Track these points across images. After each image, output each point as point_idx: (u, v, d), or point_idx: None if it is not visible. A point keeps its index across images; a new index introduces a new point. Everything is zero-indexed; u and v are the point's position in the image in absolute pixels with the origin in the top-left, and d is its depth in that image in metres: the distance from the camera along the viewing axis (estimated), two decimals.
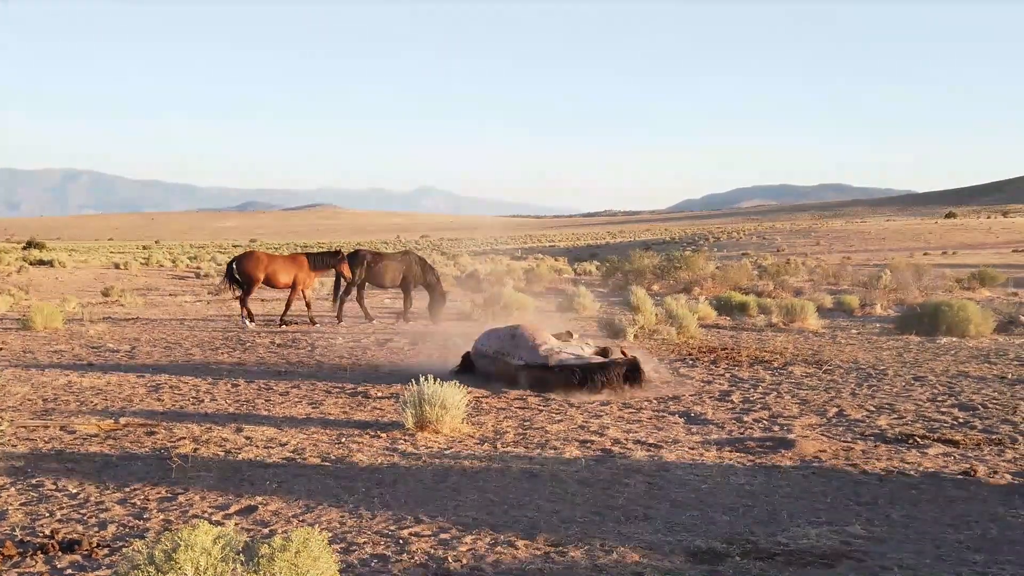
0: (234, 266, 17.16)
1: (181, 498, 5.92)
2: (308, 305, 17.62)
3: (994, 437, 7.62)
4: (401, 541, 5.07)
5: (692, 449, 7.28)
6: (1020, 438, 7.58)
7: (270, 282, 17.25)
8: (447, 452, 7.16)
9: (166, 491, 6.07)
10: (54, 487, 6.15)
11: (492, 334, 10.82)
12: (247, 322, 16.74)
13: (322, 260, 17.69)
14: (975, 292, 24.90)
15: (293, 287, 17.40)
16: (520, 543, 5.05)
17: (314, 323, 17.03)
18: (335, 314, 17.65)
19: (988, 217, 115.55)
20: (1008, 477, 6.42)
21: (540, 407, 9.04)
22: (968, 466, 6.65)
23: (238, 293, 17.18)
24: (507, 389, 9.91)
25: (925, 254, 54.22)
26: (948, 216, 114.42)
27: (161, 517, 5.48)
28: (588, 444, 7.44)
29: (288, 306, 17.50)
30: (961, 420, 8.37)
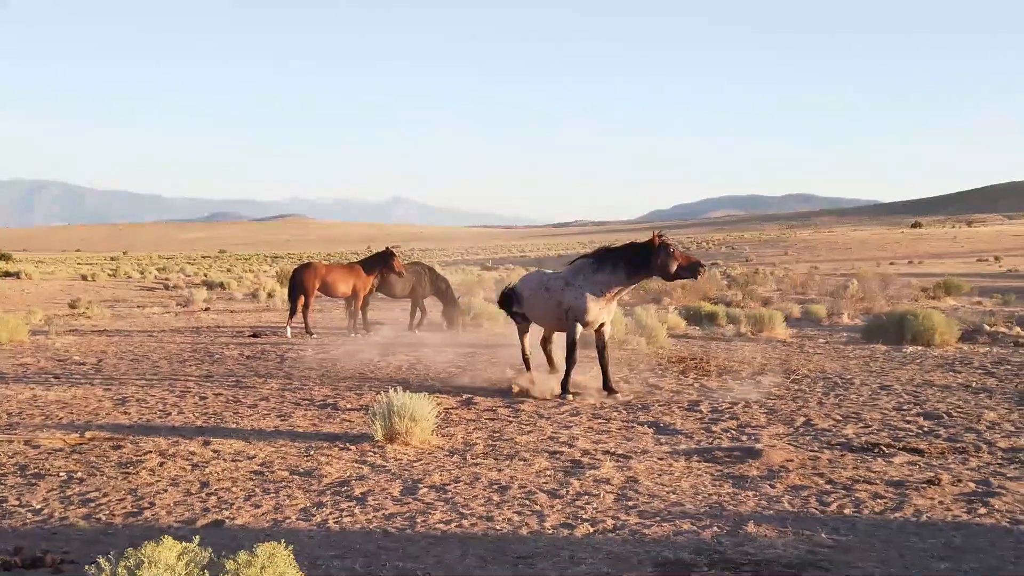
0: (293, 278, 17.47)
1: (147, 513, 5.86)
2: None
3: (958, 445, 7.72)
4: (369, 554, 5.05)
5: (661, 459, 7.31)
6: (984, 446, 7.69)
7: (329, 292, 17.54)
8: (416, 464, 7.14)
9: (131, 506, 6.01)
10: (17, 503, 6.07)
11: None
12: (310, 336, 16.82)
13: (374, 263, 17.94)
14: (940, 301, 25.22)
15: (356, 296, 17.62)
16: (489, 555, 5.05)
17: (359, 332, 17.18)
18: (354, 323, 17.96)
19: (953, 227, 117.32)
20: (972, 485, 6.50)
21: (510, 418, 9.04)
22: (933, 475, 6.73)
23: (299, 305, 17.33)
24: (477, 400, 9.92)
25: (891, 263, 54.95)
26: (914, 226, 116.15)
27: (127, 532, 5.42)
28: (557, 455, 7.45)
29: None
30: (926, 429, 8.47)
